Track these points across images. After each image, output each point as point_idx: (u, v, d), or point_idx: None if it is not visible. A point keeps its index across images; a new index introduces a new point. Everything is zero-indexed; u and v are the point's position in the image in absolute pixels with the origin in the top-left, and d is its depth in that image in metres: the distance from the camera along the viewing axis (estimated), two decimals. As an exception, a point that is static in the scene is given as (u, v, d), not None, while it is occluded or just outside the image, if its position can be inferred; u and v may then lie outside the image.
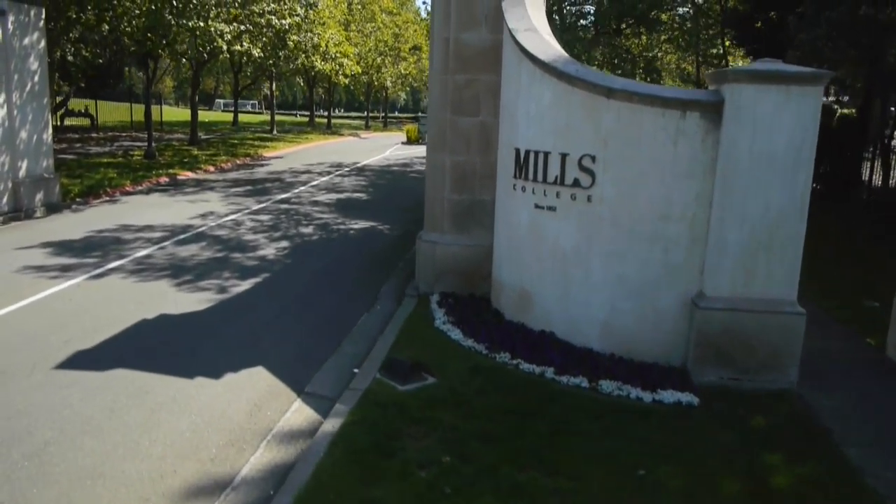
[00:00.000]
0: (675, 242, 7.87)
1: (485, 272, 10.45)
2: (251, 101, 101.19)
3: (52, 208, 17.10)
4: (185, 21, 18.47)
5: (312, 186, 21.56)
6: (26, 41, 16.50)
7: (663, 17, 21.64)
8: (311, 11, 25.43)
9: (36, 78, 16.93)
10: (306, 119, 63.72)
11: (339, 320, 9.66)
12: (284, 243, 13.67)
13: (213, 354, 8.11)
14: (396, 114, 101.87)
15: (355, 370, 8.08)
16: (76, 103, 41.85)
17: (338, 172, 25.33)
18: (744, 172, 7.42)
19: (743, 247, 7.58)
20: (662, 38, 25.93)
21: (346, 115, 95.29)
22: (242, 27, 21.23)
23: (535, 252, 8.99)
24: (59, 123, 35.40)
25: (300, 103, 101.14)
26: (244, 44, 22.08)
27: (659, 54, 30.38)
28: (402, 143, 41.66)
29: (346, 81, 39.20)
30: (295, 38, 25.41)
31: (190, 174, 23.84)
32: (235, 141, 36.19)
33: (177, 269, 11.55)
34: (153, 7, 17.39)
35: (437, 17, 10.35)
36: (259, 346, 8.50)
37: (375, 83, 54.82)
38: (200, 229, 14.63)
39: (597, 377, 7.70)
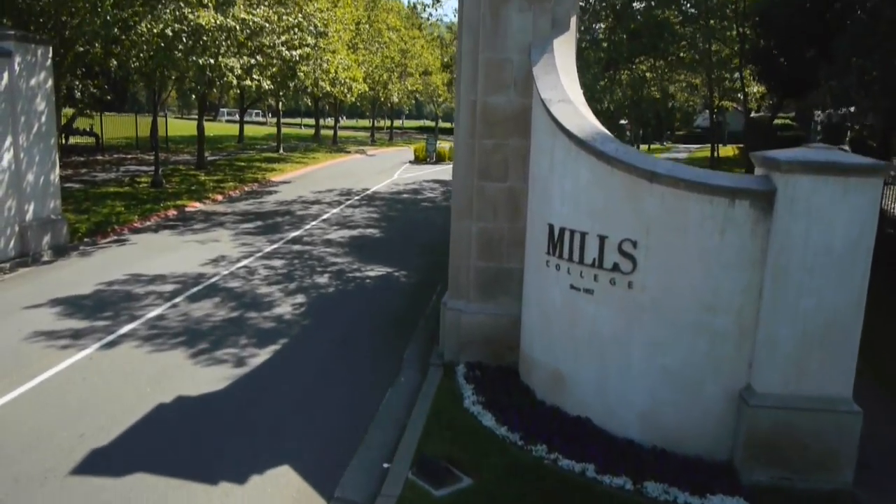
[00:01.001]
0: (722, 334, 7.48)
1: (512, 342, 10.06)
2: (255, 110, 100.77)
3: (59, 251, 16.72)
4: (195, 58, 18.13)
5: (323, 221, 21.16)
6: (33, 81, 16.15)
7: (680, 50, 21.19)
8: (321, 40, 25.06)
9: (43, 118, 16.57)
10: (311, 132, 63.35)
11: (364, 398, 9.28)
12: (300, 298, 13.28)
13: (236, 450, 7.72)
14: (402, 122, 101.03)
15: (385, 465, 7.70)
16: (80, 120, 41.39)
17: (348, 202, 24.91)
18: (797, 266, 7.04)
19: (795, 342, 7.20)
20: (671, 58, 25.55)
21: (351, 125, 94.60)
22: (253, 60, 20.85)
23: (569, 333, 8.60)
24: (64, 142, 34.95)
25: (304, 109, 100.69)
26: (254, 77, 21.74)
27: (669, 74, 30.05)
28: (410, 162, 41.23)
29: (353, 99, 38.88)
30: (305, 68, 25.05)
31: (198, 205, 23.46)
32: (242, 163, 35.77)
33: (191, 333, 11.15)
34: (162, 44, 17.02)
35: (464, 80, 9.96)
36: (283, 436, 8.10)
37: (382, 98, 54.48)
38: (213, 279, 14.24)
39: (641, 477, 7.30)
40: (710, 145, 46.97)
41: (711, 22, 20.81)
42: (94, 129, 40.11)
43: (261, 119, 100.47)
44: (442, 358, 10.49)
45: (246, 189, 27.81)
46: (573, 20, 9.78)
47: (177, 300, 12.84)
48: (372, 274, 15.29)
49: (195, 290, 13.52)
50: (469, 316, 10.25)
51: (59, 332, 11.02)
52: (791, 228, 6.99)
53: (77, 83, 18.50)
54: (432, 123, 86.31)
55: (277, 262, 15.85)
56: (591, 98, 11.63)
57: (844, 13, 14.21)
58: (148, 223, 20.31)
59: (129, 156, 36.41)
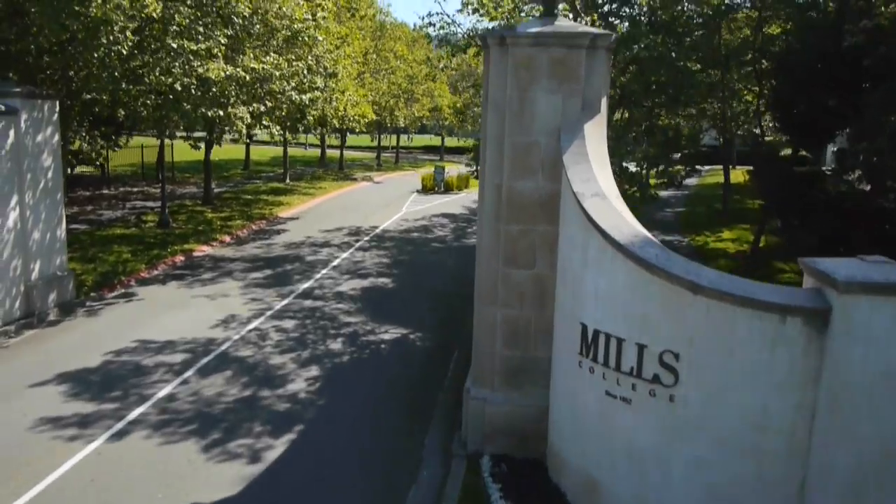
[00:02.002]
0: (772, 455, 7.04)
1: (540, 433, 9.61)
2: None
3: (65, 308, 16.31)
4: (204, 110, 17.82)
5: (334, 268, 20.71)
6: (39, 138, 15.78)
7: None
8: (330, 80, 24.74)
9: (49, 174, 16.20)
10: (317, 153, 62.83)
11: (386, 497, 8.86)
12: (314, 369, 12.83)
13: (254, 578, 7.26)
14: (409, 140, 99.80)
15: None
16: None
17: (358, 244, 24.45)
18: (854, 390, 6.60)
19: (851, 470, 6.74)
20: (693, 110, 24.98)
21: (355, 143, 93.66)
22: (262, 108, 20.52)
23: (604, 441, 8.15)
24: (70, 171, 34.45)
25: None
26: (264, 122, 21.46)
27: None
28: (418, 191, 40.75)
29: (361, 129, 38.58)
30: (315, 112, 24.78)
31: (206, 249, 23.04)
32: (249, 196, 35.34)
33: (203, 419, 10.70)
34: (171, 96, 16.65)
35: (490, 163, 9.57)
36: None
37: (388, 125, 54.17)
38: (224, 346, 13.79)
39: None
40: (718, 167, 46.21)
41: (732, 67, 20.44)
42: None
43: (266, 138, 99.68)
44: (465, 448, 10.04)
45: (254, 228, 27.39)
46: (604, 101, 9.38)
47: (187, 374, 12.41)
48: (386, 337, 14.84)
49: (206, 360, 13.08)
50: (494, 406, 9.81)
51: (66, 419, 10.57)
52: (848, 350, 6.55)
53: (85, 135, 18.08)
54: (438, 141, 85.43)
55: (289, 324, 15.40)
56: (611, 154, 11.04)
57: (876, 67, 13.78)
58: (155, 272, 19.88)
59: (136, 189, 36.01)
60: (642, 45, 14.52)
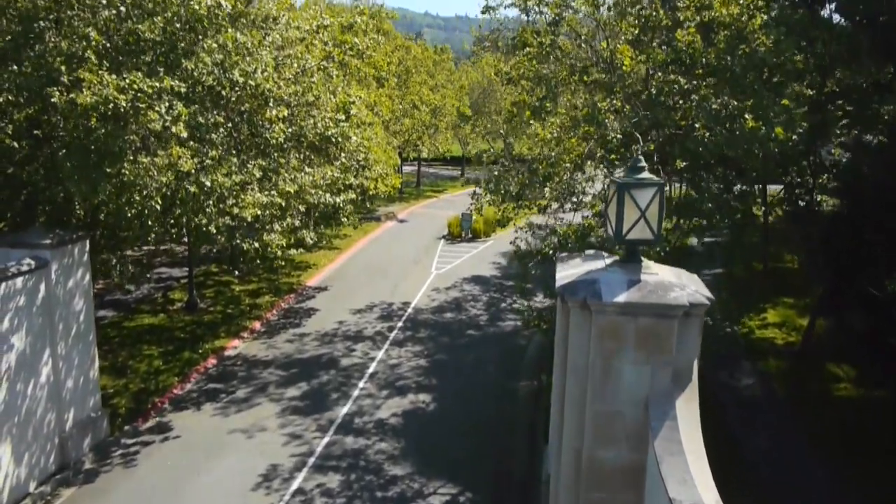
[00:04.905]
0: None
1: None
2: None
3: (100, 452, 15.85)
4: (239, 242, 17.24)
5: (371, 380, 20.01)
6: (70, 283, 15.22)
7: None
8: (364, 171, 24.04)
9: (81, 317, 15.67)
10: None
11: None
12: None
13: None
14: (427, 153, 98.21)
15: None
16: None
17: (392, 334, 23.67)
18: None
19: None
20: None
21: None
22: (297, 222, 19.90)
23: None
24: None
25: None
26: (300, 236, 20.89)
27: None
28: (444, 238, 40.08)
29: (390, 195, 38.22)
30: (350, 209, 24.15)
31: (237, 344, 22.49)
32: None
33: None
34: (203, 230, 15.91)
35: (568, 428, 8.88)
36: None
37: (411, 156, 53.46)
38: (269, 527, 13.22)
39: None
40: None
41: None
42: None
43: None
44: None
45: (283, 305, 26.82)
46: (695, 365, 8.61)
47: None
48: (436, 503, 14.20)
49: (251, 553, 12.50)
50: None
51: None
52: None
53: (117, 265, 17.45)
54: (458, 149, 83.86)
55: (334, 481, 14.73)
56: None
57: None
58: (188, 386, 19.35)
59: (161, 247, 35.47)
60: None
